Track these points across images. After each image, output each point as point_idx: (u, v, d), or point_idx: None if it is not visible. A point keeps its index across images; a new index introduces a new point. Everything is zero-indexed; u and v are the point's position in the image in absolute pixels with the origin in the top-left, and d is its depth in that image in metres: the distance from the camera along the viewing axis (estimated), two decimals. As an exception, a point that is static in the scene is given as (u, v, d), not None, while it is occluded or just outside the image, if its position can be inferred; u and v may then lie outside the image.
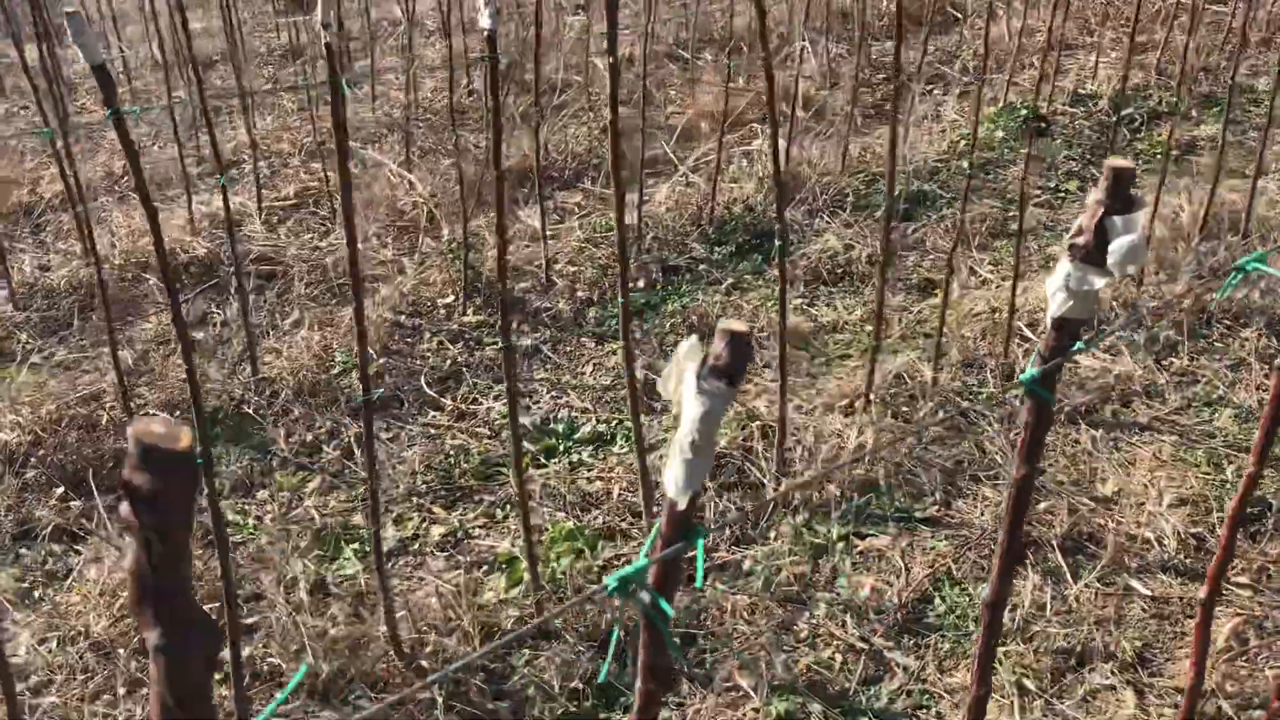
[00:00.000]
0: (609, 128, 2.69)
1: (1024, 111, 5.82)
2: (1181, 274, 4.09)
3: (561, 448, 3.37)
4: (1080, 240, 1.00)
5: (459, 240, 4.35)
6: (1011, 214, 4.91)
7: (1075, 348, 1.10)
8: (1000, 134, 5.68)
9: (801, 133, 5.79)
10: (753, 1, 3.47)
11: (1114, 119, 5.85)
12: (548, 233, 4.78)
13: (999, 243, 4.64)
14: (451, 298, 4.24)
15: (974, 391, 3.54)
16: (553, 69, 6.90)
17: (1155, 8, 7.48)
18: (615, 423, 3.50)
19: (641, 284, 4.35)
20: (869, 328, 4.02)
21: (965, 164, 5.37)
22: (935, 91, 6.59)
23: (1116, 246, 0.98)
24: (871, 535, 2.94)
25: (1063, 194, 5.11)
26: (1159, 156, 5.42)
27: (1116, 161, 0.95)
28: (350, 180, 2.22)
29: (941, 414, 3.37)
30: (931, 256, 4.53)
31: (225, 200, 3.62)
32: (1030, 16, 7.52)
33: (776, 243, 3.09)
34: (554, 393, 3.69)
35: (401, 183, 5.16)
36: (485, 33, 2.55)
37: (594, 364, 3.85)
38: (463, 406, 3.62)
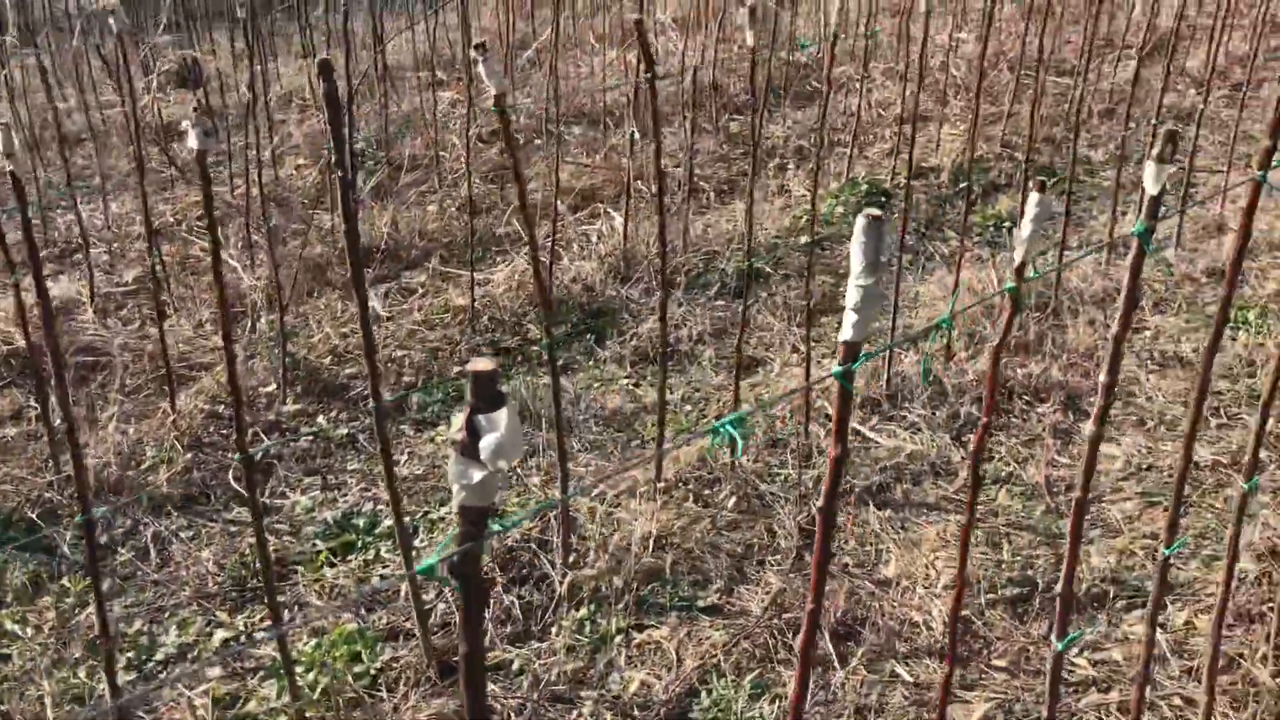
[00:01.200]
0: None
1: (865, 186, 5.99)
2: (987, 349, 4.21)
3: (360, 543, 3.36)
4: (458, 437, 1.06)
5: (283, 327, 4.35)
6: (844, 289, 5.04)
7: (489, 532, 1.16)
8: (840, 209, 5.83)
9: (650, 210, 5.90)
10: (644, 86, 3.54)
11: (952, 192, 6.06)
12: (387, 314, 4.80)
13: (826, 319, 4.75)
14: (273, 386, 4.22)
15: (774, 473, 3.60)
16: (421, 145, 6.96)
17: (1004, 80, 7.77)
18: (421, 515, 3.50)
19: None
20: (689, 408, 4.09)
21: (804, 239, 5.52)
22: (791, 166, 6.75)
23: (485, 444, 1.04)
24: (652, 626, 2.96)
25: (892, 269, 5.24)
26: (992, 228, 5.61)
27: (478, 365, 1.01)
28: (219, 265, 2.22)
29: (737, 497, 3.42)
30: (760, 334, 4.62)
31: (41, 288, 3.58)
32: (886, 89, 7.79)
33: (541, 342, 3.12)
34: (363, 485, 3.69)
35: (245, 266, 5.15)
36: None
37: (410, 453, 3.86)
38: (268, 501, 3.60)
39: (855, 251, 1.40)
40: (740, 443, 3.71)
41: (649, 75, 2.76)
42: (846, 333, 1.46)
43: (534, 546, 3.18)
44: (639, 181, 6.36)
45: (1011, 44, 8.27)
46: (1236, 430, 3.74)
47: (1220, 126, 7.07)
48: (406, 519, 3.46)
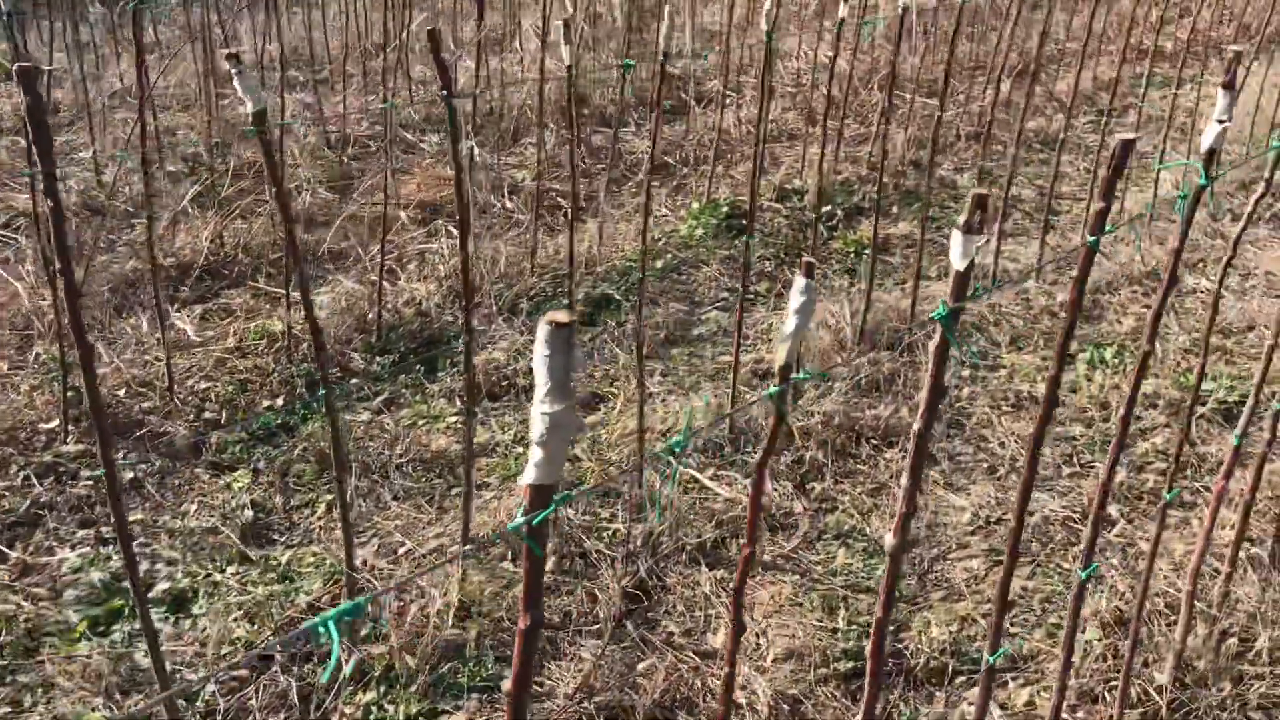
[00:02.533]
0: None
1: (726, 208, 5.76)
2: (835, 386, 4.00)
3: (129, 610, 2.96)
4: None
5: (75, 355, 3.90)
6: (696, 317, 4.79)
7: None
8: (700, 231, 5.58)
9: (502, 227, 5.58)
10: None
11: (815, 215, 5.86)
12: (199, 338, 4.39)
13: (676, 350, 4.49)
14: (56, 422, 3.78)
15: (603, 527, 3.31)
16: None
17: (874, 100, 7.64)
18: (203, 576, 3.11)
19: (280, 402, 3.99)
20: (520, 450, 3.78)
21: (658, 264, 5.26)
22: (656, 184, 6.49)
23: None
24: (447, 712, 2.64)
25: (751, 296, 5.01)
26: (853, 255, 5.43)
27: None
28: None
29: (559, 556, 3.12)
30: (605, 367, 4.33)
31: None
32: (755, 106, 7.58)
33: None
34: (144, 538, 3.28)
35: (42, 284, 4.66)
36: None
37: (201, 501, 3.46)
38: (29, 559, 3.17)
39: (539, 369, 1.10)
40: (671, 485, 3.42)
41: (444, 94, 2.44)
42: (530, 475, 1.16)
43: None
44: (494, 195, 6.03)
45: (885, 63, 8.17)
46: (1089, 479, 3.57)
47: (1086, 152, 7.04)
48: (185, 580, 3.08)
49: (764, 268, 5.29)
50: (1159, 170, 6.03)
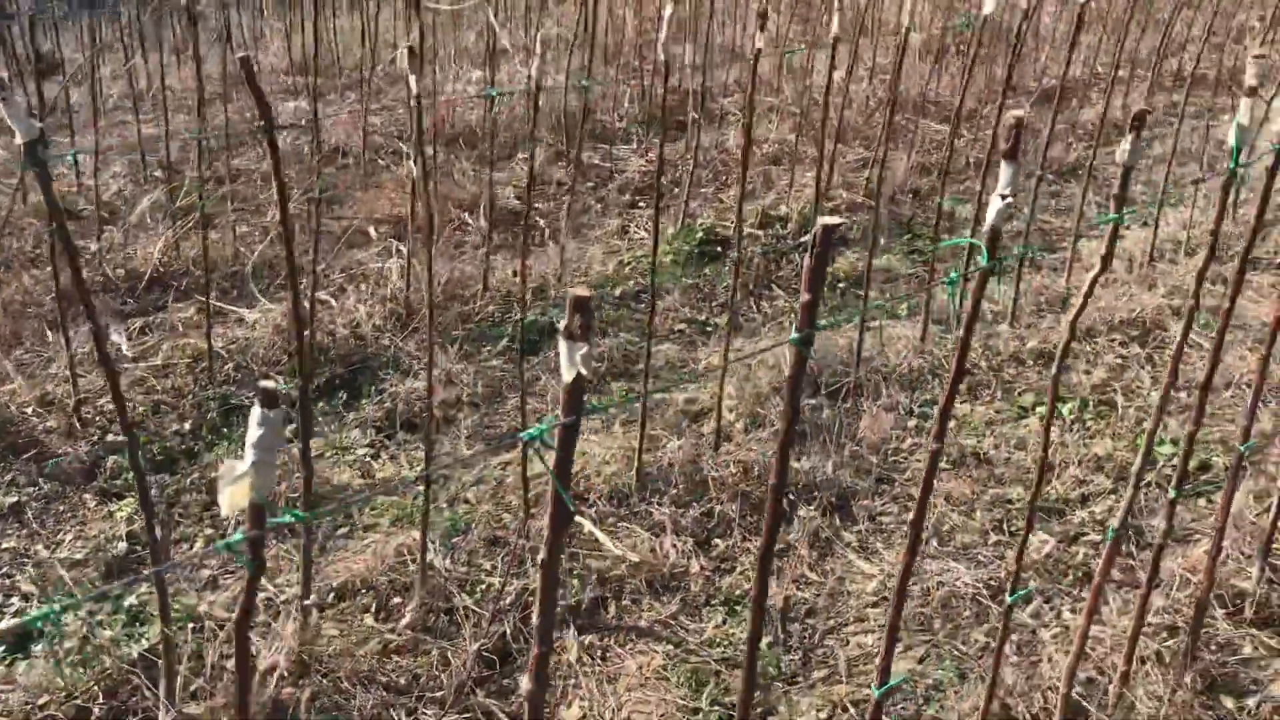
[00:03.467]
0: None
1: (700, 234, 5.55)
2: (764, 434, 3.77)
3: (-27, 650, 2.85)
4: None
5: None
6: (643, 353, 4.58)
7: None
8: (670, 258, 5.38)
9: (474, 246, 5.43)
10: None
11: (793, 245, 5.63)
12: (132, 355, 4.30)
13: (617, 385, 4.29)
14: (-47, 441, 3.70)
15: (479, 580, 3.13)
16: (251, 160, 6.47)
17: (878, 121, 7.36)
18: (53, 613, 2.98)
19: (188, 426, 3.87)
20: (420, 489, 3.61)
21: (617, 291, 5.07)
22: (642, 204, 6.30)
23: None
24: (257, 781, 2.48)
25: (710, 327, 4.80)
26: (825, 288, 5.18)
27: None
28: None
29: (422, 611, 2.95)
30: (536, 399, 4.15)
31: None
32: (761, 126, 7.36)
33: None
34: (9, 569, 3.18)
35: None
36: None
37: (80, 531, 3.35)
38: (-113, 587, 3.08)
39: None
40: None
41: (263, 125, 2.28)
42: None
43: (140, 675, 2.68)
44: (469, 213, 5.89)
45: (910, 86, 7.88)
46: (1013, 550, 3.30)
47: (1102, 185, 6.69)
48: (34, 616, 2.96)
49: (729, 298, 5.06)
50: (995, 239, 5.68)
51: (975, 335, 4.55)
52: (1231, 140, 1.94)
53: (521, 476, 3.31)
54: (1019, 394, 4.13)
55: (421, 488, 3.54)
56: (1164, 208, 5.72)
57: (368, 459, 3.78)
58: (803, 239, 5.63)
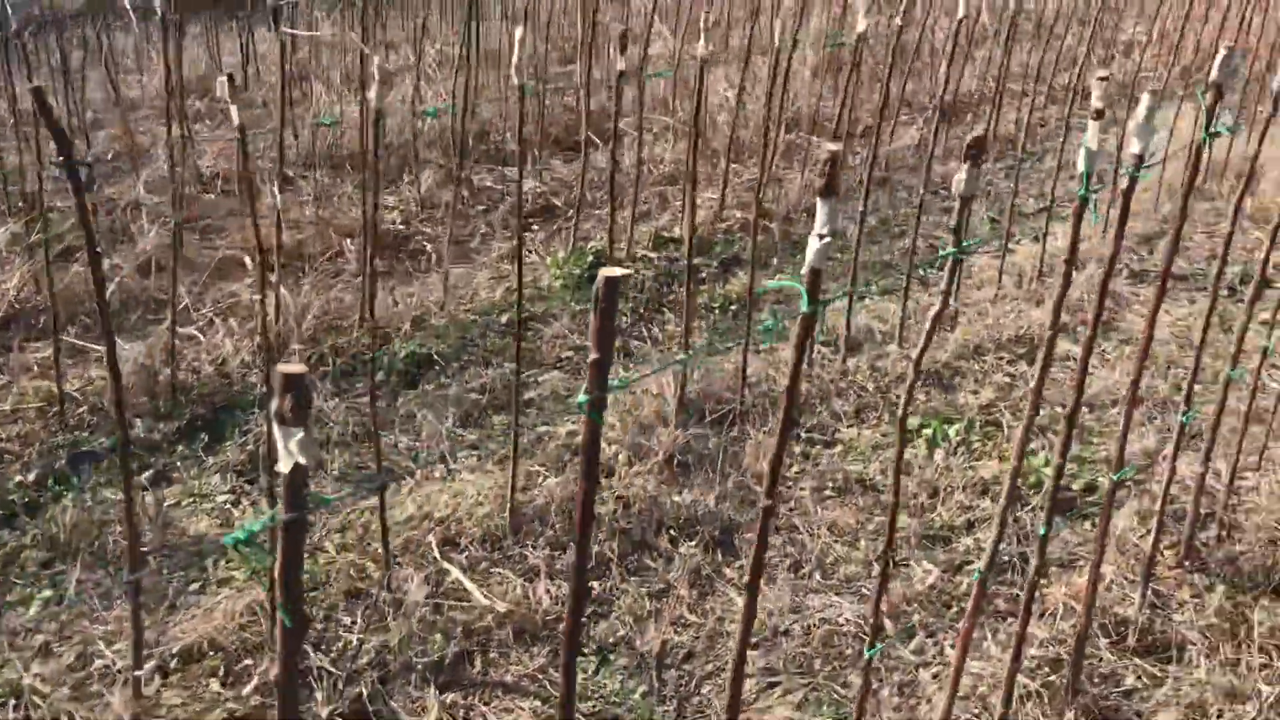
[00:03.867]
0: None
1: (591, 257, 5.42)
2: (647, 467, 3.65)
3: None
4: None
5: None
6: (532, 379, 4.43)
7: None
8: (560, 283, 5.24)
9: (353, 274, 5.23)
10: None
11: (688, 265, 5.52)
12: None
13: (499, 418, 4.13)
14: None
15: (334, 639, 2.94)
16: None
17: (788, 140, 7.32)
18: None
19: (32, 477, 3.62)
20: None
21: (504, 318, 4.92)
22: (535, 226, 6.16)
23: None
24: None
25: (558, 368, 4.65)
26: (717, 311, 5.09)
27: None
28: None
29: (265, 681, 2.76)
30: (411, 437, 3.97)
31: None
32: (658, 145, 7.27)
33: None
34: None
35: None
36: None
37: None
38: None
39: None
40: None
41: (62, 159, 2.10)
42: None
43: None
44: (349, 240, 5.69)
45: (808, 103, 7.85)
46: (899, 580, 3.21)
47: (994, 199, 6.71)
48: None
49: (619, 324, 4.94)
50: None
51: (863, 356, 4.48)
52: (1080, 165, 1.86)
53: (381, 524, 3.13)
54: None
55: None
56: (1053, 222, 5.73)
57: (228, 506, 3.57)
58: (695, 260, 5.53)
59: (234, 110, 2.39)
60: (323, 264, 5.28)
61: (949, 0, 9.53)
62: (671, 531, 3.39)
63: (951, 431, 3.89)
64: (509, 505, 3.37)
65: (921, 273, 5.57)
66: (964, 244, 1.81)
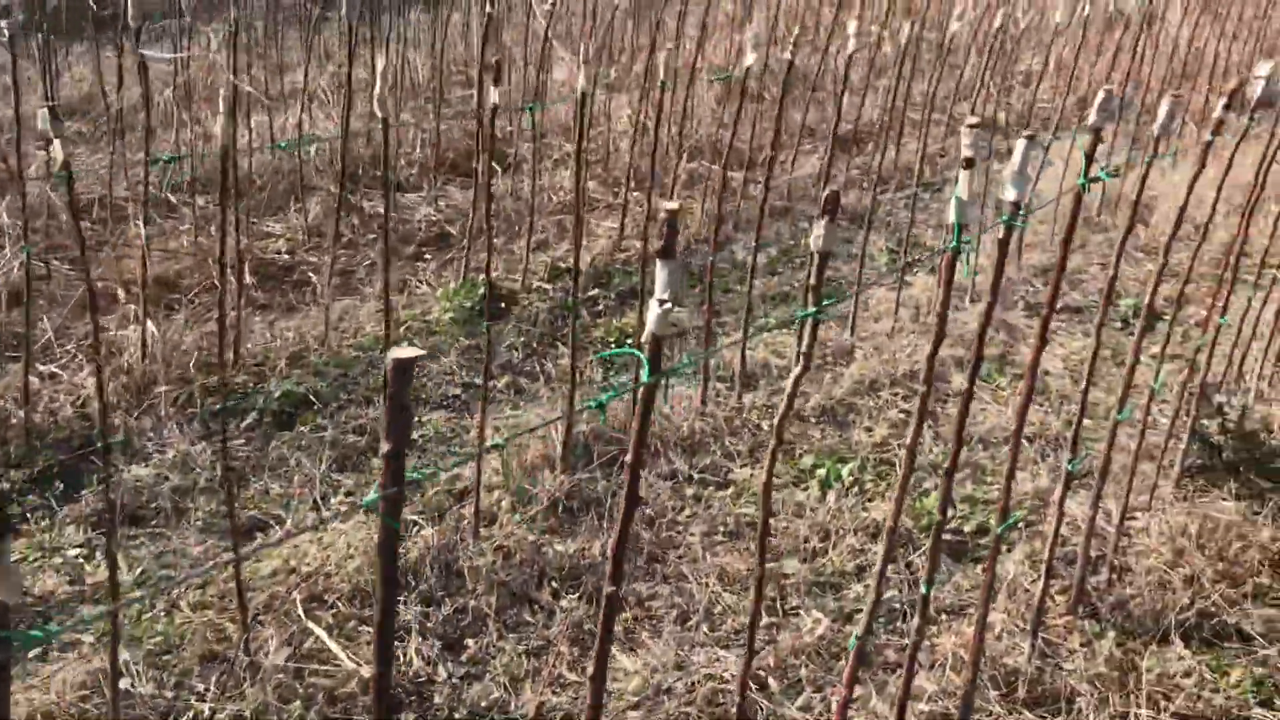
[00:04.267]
0: None
1: (482, 289, 5.25)
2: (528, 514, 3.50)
3: None
4: None
5: None
6: (417, 419, 4.25)
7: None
8: (451, 316, 5.06)
9: (231, 308, 4.99)
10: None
11: (584, 298, 5.40)
12: None
13: (379, 462, 3.93)
14: None
15: (185, 708, 2.73)
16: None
17: (694, 169, 7.25)
18: None
19: None
20: (138, 593, 3.19)
21: (384, 355, 4.71)
22: (427, 255, 5.98)
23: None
24: None
25: (489, 390, 4.49)
26: (613, 345, 4.96)
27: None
28: None
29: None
30: (283, 483, 3.77)
31: None
32: (559, 172, 7.14)
33: None
34: None
35: None
36: None
37: None
38: None
39: None
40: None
41: None
42: None
43: None
44: (231, 271, 5.44)
45: (710, 131, 7.79)
46: (788, 631, 3.10)
47: (894, 230, 6.71)
48: None
49: (511, 359, 4.79)
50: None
51: (759, 393, 4.38)
52: (952, 216, 1.77)
53: (237, 583, 2.93)
54: (800, 455, 3.97)
55: (137, 594, 3.14)
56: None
57: (80, 560, 3.33)
58: (591, 293, 5.41)
59: (57, 145, 2.20)
60: (200, 296, 5.04)
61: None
62: (554, 583, 3.24)
63: (845, 471, 3.81)
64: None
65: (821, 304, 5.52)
66: (824, 301, 1.71)
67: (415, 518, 3.48)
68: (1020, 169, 1.84)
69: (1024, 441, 4.08)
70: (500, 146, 7.42)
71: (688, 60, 6.61)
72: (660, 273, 1.32)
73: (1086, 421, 4.20)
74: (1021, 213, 1.90)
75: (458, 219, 6.48)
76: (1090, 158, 2.10)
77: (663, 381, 4.32)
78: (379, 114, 2.75)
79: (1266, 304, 4.42)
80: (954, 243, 1.81)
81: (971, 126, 1.65)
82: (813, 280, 1.65)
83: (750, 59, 3.69)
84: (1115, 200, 6.96)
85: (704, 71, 8.76)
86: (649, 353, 1.39)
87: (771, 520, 3.51)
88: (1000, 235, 1.90)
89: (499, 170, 7.11)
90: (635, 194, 6.98)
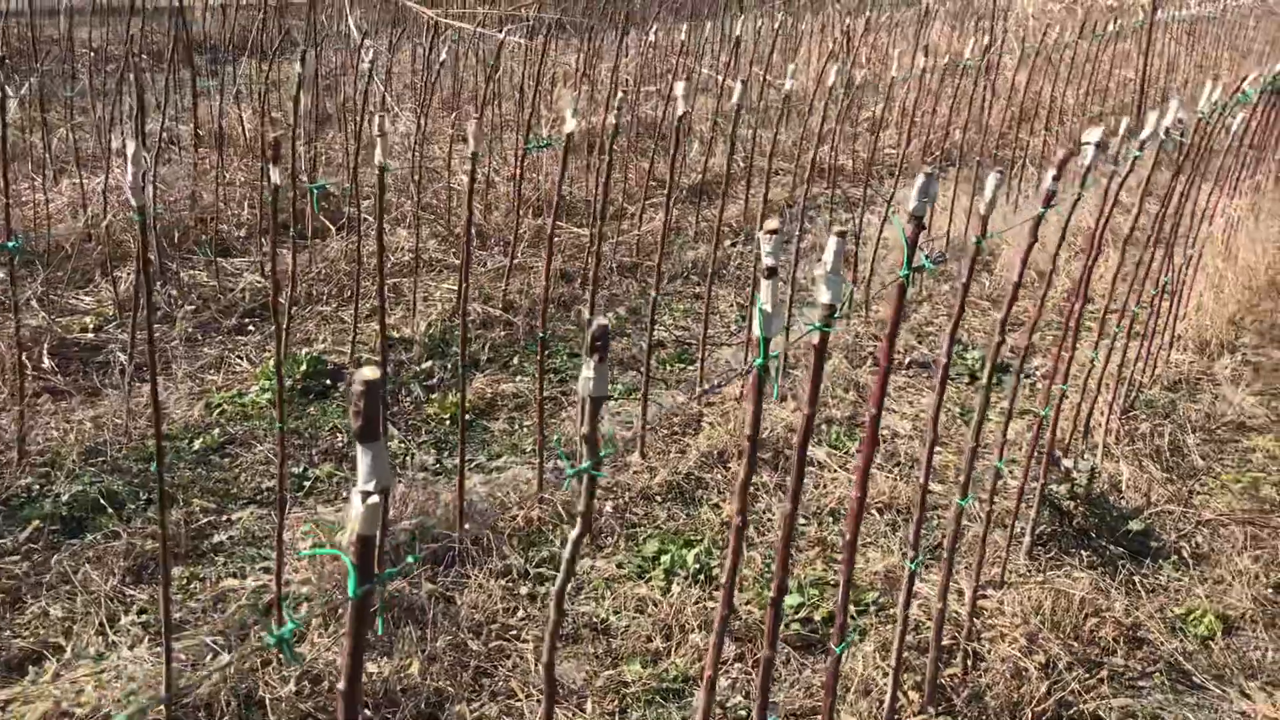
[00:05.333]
0: None
1: (305, 365, 4.90)
2: (333, 626, 3.16)
3: None
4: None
5: None
6: (226, 518, 3.87)
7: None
8: (269, 396, 4.69)
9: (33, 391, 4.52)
10: None
11: (420, 370, 5.08)
12: None
13: (179, 570, 3.55)
14: None
15: None
16: None
17: (537, 226, 7.00)
18: None
19: None
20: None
21: (196, 444, 4.33)
22: (250, 328, 5.58)
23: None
24: None
25: (308, 482, 4.13)
26: (448, 422, 4.64)
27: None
28: None
29: None
30: (65, 603, 3.35)
31: None
32: (397, 232, 6.82)
33: None
34: None
35: None
36: None
37: None
38: None
39: None
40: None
41: None
42: None
43: None
44: (26, 355, 4.96)
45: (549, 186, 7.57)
46: (627, 751, 2.84)
47: (743, 284, 6.58)
48: None
49: (334, 443, 4.44)
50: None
51: (605, 467, 4.13)
52: (757, 329, 1.55)
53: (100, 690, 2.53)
54: (643, 540, 3.73)
55: None
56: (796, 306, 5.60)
57: None
58: (425, 364, 5.10)
59: None
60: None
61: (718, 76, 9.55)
62: (367, 710, 2.91)
63: (690, 557, 3.57)
64: (167, 694, 2.82)
65: (668, 368, 5.32)
66: (601, 454, 1.47)
67: (213, 640, 3.11)
68: (833, 268, 1.63)
69: (874, 513, 3.93)
70: (336, 205, 7.08)
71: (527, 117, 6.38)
72: (362, 459, 1.05)
73: (938, 487, 4.09)
74: (836, 314, 1.70)
75: (286, 285, 6.10)
76: (913, 246, 1.92)
77: (494, 460, 4.04)
78: (133, 202, 2.42)
79: (1111, 355, 4.38)
80: (759, 360, 1.59)
81: (770, 232, 1.44)
82: (584, 429, 1.40)
83: (570, 125, 3.47)
84: (962, 245, 6.97)
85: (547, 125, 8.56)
86: (356, 556, 1.12)
87: (614, 618, 3.26)
88: (815, 341, 1.69)
89: (332, 230, 6.76)
90: (481, 252, 6.72)
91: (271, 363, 4.93)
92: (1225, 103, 4.55)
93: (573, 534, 1.52)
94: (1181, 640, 3.27)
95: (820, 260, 1.67)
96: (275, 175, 2.53)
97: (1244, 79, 4.93)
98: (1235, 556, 3.66)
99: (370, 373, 1.01)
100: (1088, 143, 2.70)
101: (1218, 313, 5.70)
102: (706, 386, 4.87)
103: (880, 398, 2.12)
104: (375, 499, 1.04)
